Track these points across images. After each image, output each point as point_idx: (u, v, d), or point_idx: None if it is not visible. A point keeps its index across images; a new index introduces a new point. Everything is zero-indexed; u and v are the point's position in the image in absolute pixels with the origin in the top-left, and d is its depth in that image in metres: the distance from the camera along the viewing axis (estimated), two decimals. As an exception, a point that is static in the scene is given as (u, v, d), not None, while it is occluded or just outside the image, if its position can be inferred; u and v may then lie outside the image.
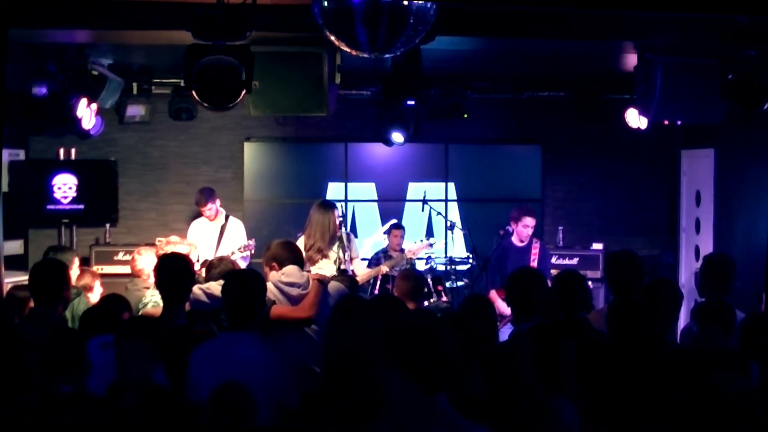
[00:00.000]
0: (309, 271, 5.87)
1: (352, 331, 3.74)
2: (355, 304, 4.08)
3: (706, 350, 4.29)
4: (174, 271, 4.58)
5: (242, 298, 4.08)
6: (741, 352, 4.18)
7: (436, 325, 2.70)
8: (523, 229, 7.57)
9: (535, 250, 7.56)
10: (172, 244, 6.37)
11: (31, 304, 4.96)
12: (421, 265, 8.46)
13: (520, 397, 3.29)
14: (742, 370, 3.91)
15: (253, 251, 7.68)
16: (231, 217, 8.36)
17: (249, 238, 8.10)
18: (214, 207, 8.15)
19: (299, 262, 5.28)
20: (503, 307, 5.73)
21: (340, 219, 7.10)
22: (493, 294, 7.27)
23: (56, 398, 3.43)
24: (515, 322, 4.54)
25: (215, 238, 8.08)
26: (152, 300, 5.17)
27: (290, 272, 5.10)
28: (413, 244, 8.27)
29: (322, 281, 5.13)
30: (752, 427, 3.35)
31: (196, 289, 4.96)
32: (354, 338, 3.67)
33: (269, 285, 5.10)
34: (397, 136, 9.15)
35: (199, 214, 8.36)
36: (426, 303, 7.97)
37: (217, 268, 5.38)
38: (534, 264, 7.42)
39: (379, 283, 7.73)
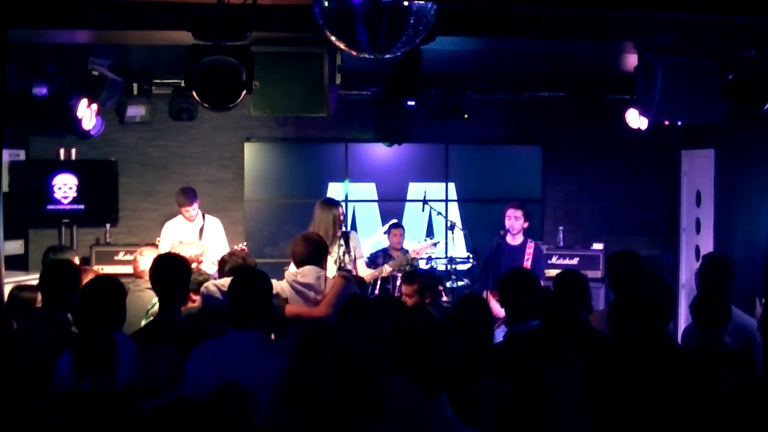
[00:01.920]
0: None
1: (356, 330, 3.74)
2: (361, 304, 4.08)
3: (706, 349, 4.29)
4: (170, 272, 4.57)
5: (247, 297, 4.08)
6: (740, 351, 4.18)
7: (436, 326, 2.70)
8: (507, 221, 7.57)
9: (530, 250, 7.53)
10: (186, 245, 6.36)
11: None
12: (421, 265, 8.45)
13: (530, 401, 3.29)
14: (742, 368, 3.91)
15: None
16: (207, 216, 8.24)
17: (248, 238, 8.06)
18: (196, 207, 8.03)
19: (318, 260, 5.26)
20: (497, 309, 5.70)
21: (342, 217, 7.12)
22: (488, 295, 7.25)
23: (74, 396, 3.36)
24: (509, 324, 4.53)
25: (195, 238, 7.99)
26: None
27: (306, 273, 5.11)
28: (417, 244, 8.25)
29: (346, 278, 5.15)
30: (752, 425, 3.35)
31: (210, 285, 4.96)
32: (358, 337, 3.67)
33: (283, 282, 5.09)
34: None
35: (173, 215, 8.24)
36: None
37: (228, 263, 5.37)
38: (527, 264, 7.40)
39: (379, 283, 7.73)
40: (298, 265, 5.24)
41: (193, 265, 6.17)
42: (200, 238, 7.93)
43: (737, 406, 3.66)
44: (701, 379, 3.82)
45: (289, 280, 5.11)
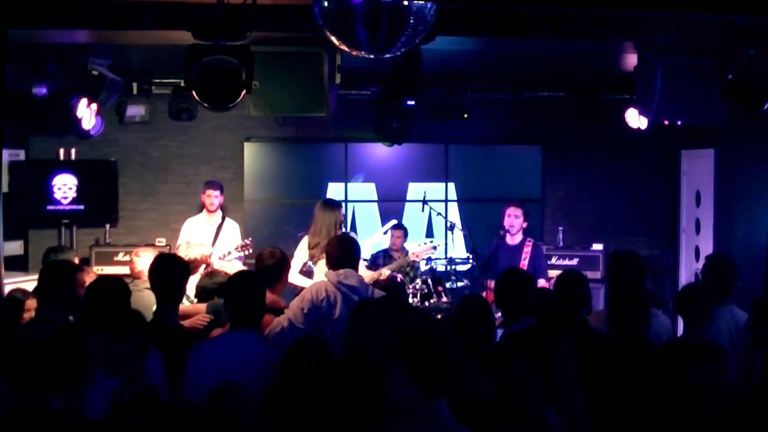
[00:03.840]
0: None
1: (365, 333, 3.72)
2: (369, 307, 4.06)
3: (687, 343, 4.31)
4: (168, 272, 4.57)
5: (244, 297, 4.09)
6: (713, 344, 4.19)
7: (443, 330, 2.70)
8: (507, 219, 7.57)
9: (527, 249, 7.53)
10: (194, 246, 6.34)
11: (29, 305, 4.95)
12: (421, 265, 8.45)
13: (517, 401, 3.28)
14: (721, 362, 3.92)
15: (250, 251, 7.52)
16: (227, 218, 8.32)
17: (247, 238, 8.04)
18: (220, 195, 8.13)
19: (355, 263, 5.24)
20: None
21: (343, 218, 7.11)
22: (487, 285, 7.23)
23: (42, 415, 3.17)
24: (505, 324, 4.53)
25: (211, 236, 8.03)
26: None
27: (350, 275, 5.07)
28: (417, 246, 8.26)
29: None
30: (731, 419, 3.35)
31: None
32: (366, 340, 3.65)
33: (325, 283, 5.03)
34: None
35: (173, 215, 8.27)
36: (426, 303, 7.97)
37: (271, 259, 5.36)
38: (525, 263, 7.39)
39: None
40: (334, 266, 5.15)
41: (202, 267, 6.17)
42: (216, 237, 7.96)
43: (713, 400, 3.65)
44: (697, 377, 3.82)
45: (333, 280, 5.02)
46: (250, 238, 7.81)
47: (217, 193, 8.16)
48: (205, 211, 8.15)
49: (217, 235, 8.04)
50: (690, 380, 3.76)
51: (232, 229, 8.24)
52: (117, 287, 4.33)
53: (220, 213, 8.25)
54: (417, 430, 2.59)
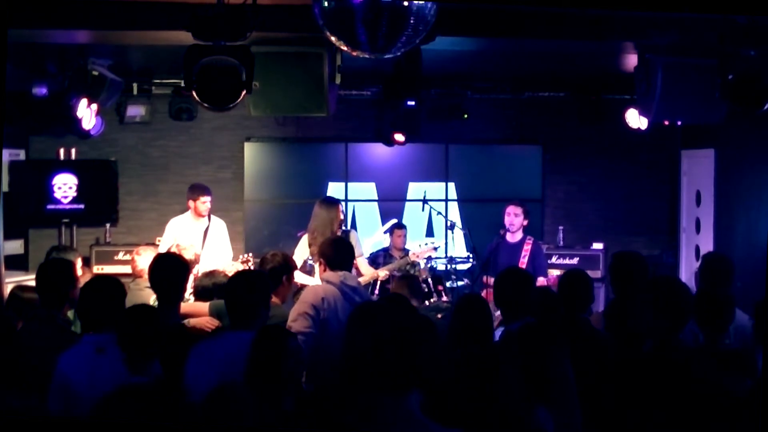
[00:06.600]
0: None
1: (365, 333, 3.71)
2: (371, 308, 4.05)
3: (710, 351, 4.28)
4: (169, 271, 4.56)
5: (246, 297, 4.09)
6: (746, 353, 4.16)
7: (419, 328, 2.69)
8: (507, 218, 7.59)
9: (527, 247, 7.54)
10: (184, 249, 6.32)
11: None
12: (421, 265, 8.45)
13: (502, 401, 3.26)
14: (748, 371, 3.90)
15: (251, 266, 7.15)
16: (213, 217, 7.93)
17: (248, 238, 7.99)
18: (209, 201, 7.77)
19: (351, 266, 5.17)
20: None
21: (342, 216, 7.11)
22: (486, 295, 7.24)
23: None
24: (505, 323, 4.53)
25: (199, 237, 7.84)
26: None
27: (350, 276, 5.02)
28: (418, 247, 8.27)
29: None
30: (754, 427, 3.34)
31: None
32: (365, 340, 3.64)
33: (325, 286, 4.93)
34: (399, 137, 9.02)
35: (173, 214, 8.05)
36: (426, 303, 7.98)
37: (270, 263, 5.33)
38: (524, 261, 7.40)
39: (379, 284, 7.73)
40: (332, 267, 5.03)
41: (196, 268, 6.17)
42: (204, 239, 7.85)
43: (741, 407, 3.64)
44: (703, 380, 3.81)
45: (336, 282, 4.90)
46: (251, 254, 7.59)
47: (210, 197, 7.75)
48: (191, 213, 7.77)
49: (206, 236, 7.86)
50: (694, 385, 3.74)
51: (220, 229, 7.97)
52: (112, 286, 4.31)
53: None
54: (386, 424, 2.58)
